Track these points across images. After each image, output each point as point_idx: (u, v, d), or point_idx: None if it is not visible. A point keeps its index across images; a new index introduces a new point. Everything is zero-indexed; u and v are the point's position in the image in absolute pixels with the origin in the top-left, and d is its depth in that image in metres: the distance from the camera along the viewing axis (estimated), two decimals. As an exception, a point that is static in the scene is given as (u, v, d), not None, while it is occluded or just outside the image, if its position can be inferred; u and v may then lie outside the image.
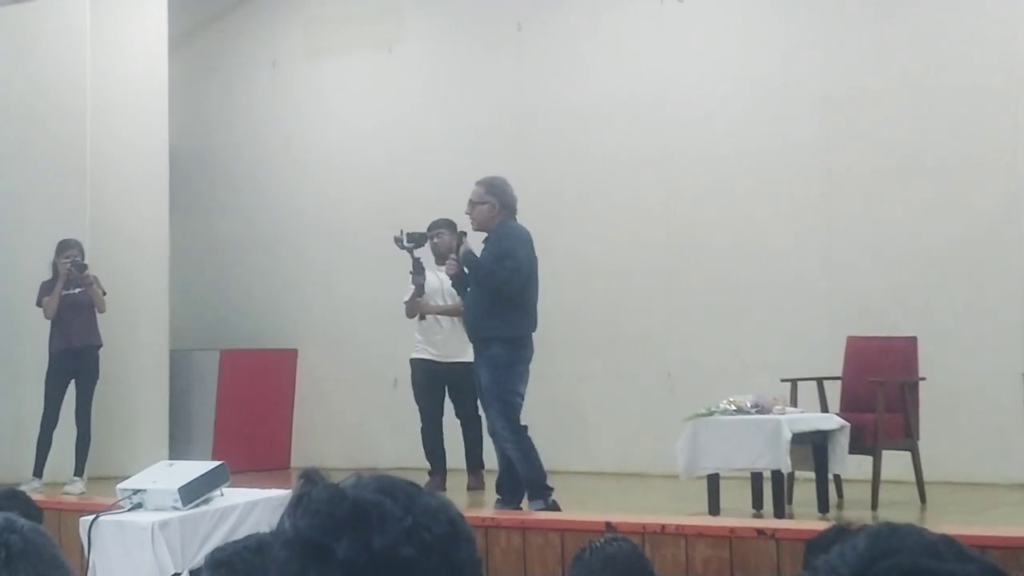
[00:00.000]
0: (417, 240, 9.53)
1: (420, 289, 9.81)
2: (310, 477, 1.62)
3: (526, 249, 8.25)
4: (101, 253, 10.67)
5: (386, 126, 11.90)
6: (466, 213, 8.37)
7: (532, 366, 10.86)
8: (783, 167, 10.20)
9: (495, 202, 8.21)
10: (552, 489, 8.02)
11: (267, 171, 12.49)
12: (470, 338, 8.61)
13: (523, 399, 8.31)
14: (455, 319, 9.75)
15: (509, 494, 8.23)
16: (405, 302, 9.95)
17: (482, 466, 9.98)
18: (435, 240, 9.81)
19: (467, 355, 9.70)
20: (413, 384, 10.08)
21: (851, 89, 9.97)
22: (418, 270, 9.72)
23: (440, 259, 9.65)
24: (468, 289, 8.39)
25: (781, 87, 10.26)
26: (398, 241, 9.60)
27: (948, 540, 1.44)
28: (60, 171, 11.02)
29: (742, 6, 10.59)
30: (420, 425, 9.99)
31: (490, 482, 9.99)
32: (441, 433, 9.96)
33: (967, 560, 1.41)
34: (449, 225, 9.65)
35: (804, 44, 10.22)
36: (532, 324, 8.33)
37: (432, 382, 9.97)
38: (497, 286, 8.14)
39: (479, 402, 8.79)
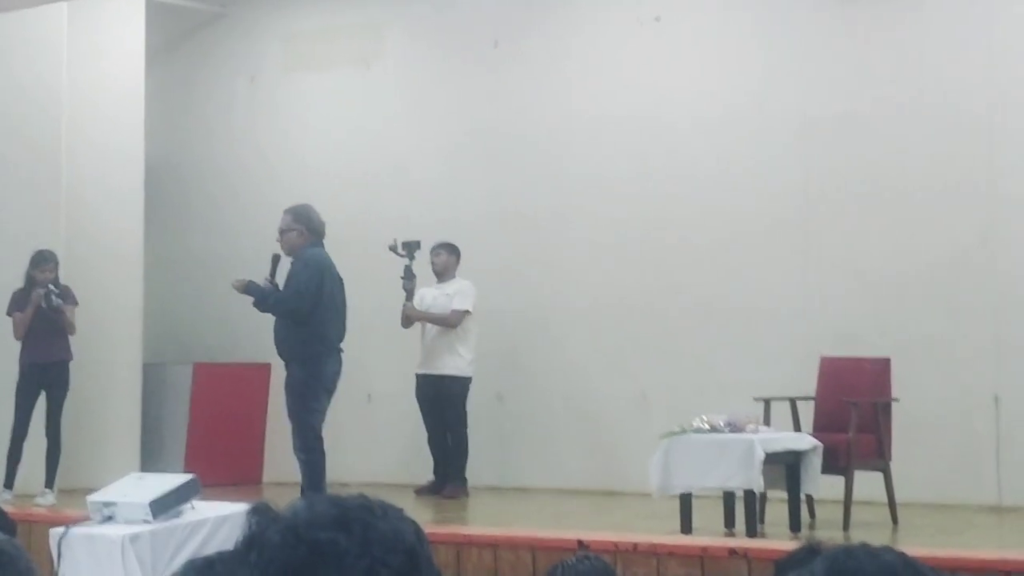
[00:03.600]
0: (411, 248, 9.93)
1: (410, 294, 10.27)
2: (261, 513, 1.59)
3: (314, 272, 8.71)
4: (76, 264, 10.62)
5: (364, 142, 11.88)
6: (277, 240, 8.96)
7: (507, 383, 10.94)
8: (760, 188, 10.21)
9: (302, 228, 8.83)
10: None
11: (243, 185, 12.46)
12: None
13: (323, 413, 8.75)
14: (438, 331, 10.20)
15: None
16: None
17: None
18: (433, 259, 10.36)
19: (446, 368, 10.02)
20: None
21: (828, 112, 9.99)
22: (408, 276, 10.26)
23: (438, 276, 10.35)
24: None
25: (758, 108, 10.28)
26: (393, 249, 10.21)
27: (906, 561, 1.44)
28: (36, 181, 10.95)
29: (719, 26, 10.60)
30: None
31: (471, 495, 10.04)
32: (443, 441, 10.20)
33: None
34: (449, 247, 10.36)
35: (782, 66, 10.24)
36: (329, 342, 8.77)
37: (422, 394, 10.25)
38: (284, 313, 8.75)
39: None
